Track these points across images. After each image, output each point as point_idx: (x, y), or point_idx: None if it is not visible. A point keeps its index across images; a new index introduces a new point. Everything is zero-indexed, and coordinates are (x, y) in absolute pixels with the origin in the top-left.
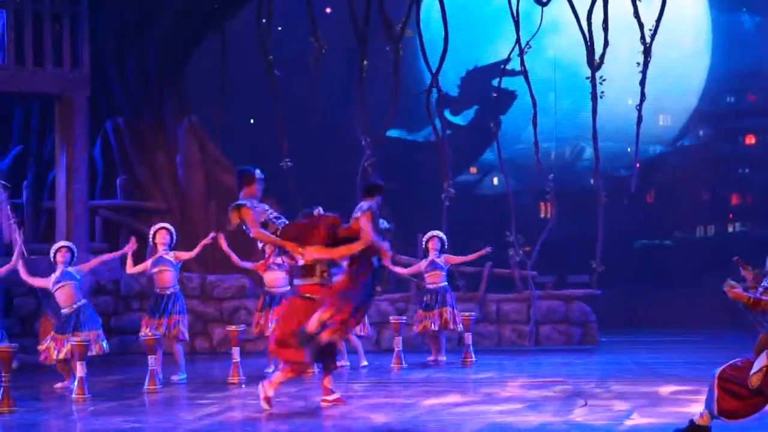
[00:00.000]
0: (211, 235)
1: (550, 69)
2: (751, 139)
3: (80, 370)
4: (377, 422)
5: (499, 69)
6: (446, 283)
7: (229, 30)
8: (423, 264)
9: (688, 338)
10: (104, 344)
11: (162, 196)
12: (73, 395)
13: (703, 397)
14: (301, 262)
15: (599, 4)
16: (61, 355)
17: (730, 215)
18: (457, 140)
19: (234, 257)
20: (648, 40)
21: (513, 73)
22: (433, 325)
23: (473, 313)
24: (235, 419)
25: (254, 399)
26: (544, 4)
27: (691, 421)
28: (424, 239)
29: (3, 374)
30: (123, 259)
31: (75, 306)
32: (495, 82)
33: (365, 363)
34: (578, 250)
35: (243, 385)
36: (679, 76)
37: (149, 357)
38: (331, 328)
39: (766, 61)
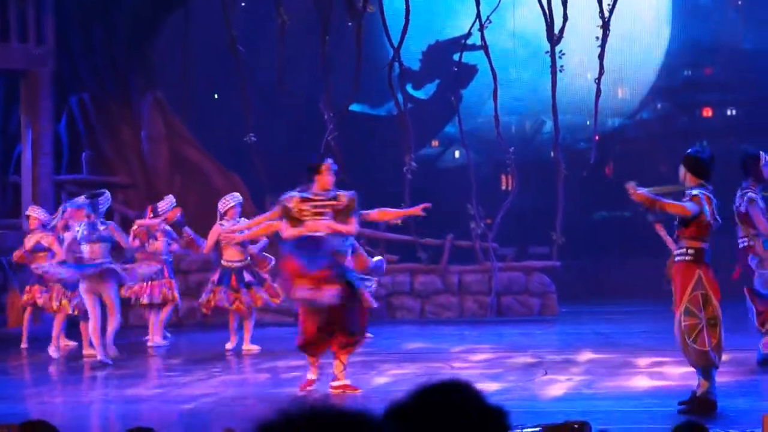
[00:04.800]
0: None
1: (510, 43)
2: (708, 112)
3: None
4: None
5: (459, 43)
6: None
7: (193, 5)
8: None
9: (647, 308)
10: None
11: (127, 171)
12: None
13: (660, 366)
14: None
15: None
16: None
17: None
18: (419, 114)
19: None
20: (606, 14)
21: (473, 47)
22: None
23: None
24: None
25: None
26: None
27: (693, 393)
28: None
29: None
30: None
31: None
32: (456, 57)
33: None
34: (538, 222)
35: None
36: (638, 49)
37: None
38: None
39: (723, 34)
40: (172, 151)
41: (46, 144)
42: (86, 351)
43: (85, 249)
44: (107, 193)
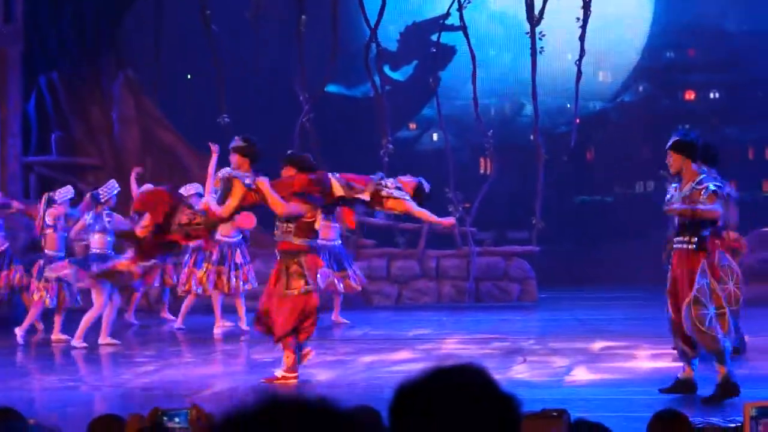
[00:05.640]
0: None
1: (490, 24)
2: (690, 95)
3: None
4: (316, 379)
5: (438, 24)
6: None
7: None
8: None
9: (627, 294)
10: None
11: (97, 152)
12: None
13: (640, 352)
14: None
15: None
16: None
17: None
18: (397, 96)
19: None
20: None
21: (452, 28)
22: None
23: None
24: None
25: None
26: None
27: (676, 379)
28: None
29: None
30: None
31: None
32: (434, 38)
33: None
34: (518, 206)
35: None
36: (620, 31)
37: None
38: None
39: (706, 16)
40: (143, 132)
41: (15, 125)
42: (55, 336)
43: (93, 238)
44: (112, 182)
